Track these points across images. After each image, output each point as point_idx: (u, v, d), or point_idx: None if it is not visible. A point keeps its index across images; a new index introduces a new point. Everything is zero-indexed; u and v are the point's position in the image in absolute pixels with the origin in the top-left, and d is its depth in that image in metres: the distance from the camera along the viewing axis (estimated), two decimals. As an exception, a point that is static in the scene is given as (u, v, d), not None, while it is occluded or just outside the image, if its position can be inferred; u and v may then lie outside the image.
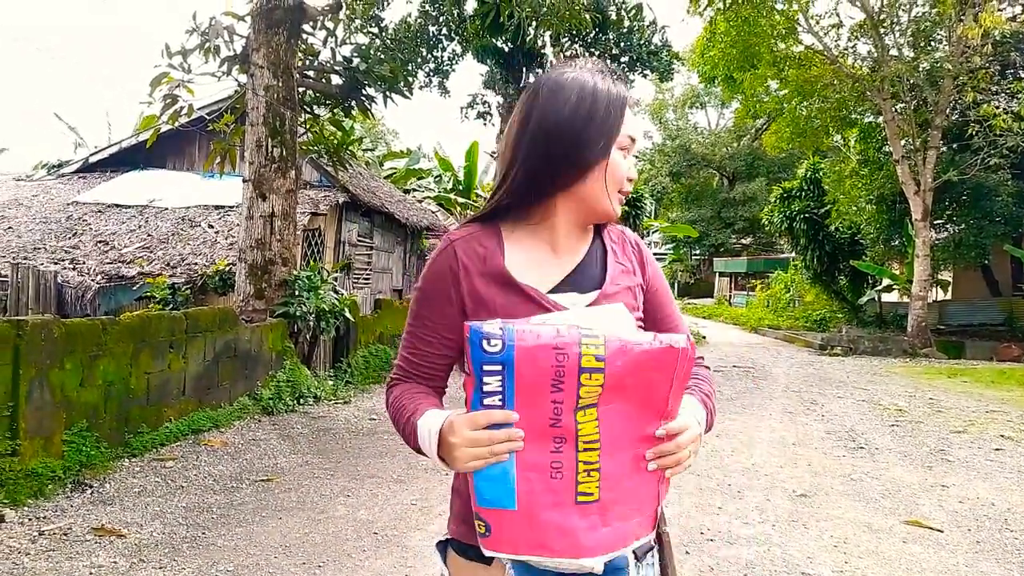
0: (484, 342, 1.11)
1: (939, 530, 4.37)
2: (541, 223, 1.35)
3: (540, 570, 1.22)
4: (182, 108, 9.00)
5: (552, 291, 1.31)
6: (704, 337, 18.27)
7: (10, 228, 10.97)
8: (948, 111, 14.84)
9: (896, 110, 15.42)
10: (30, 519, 4.14)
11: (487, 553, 1.20)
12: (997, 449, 6.46)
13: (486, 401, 1.14)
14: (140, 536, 3.98)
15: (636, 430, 1.19)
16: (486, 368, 1.12)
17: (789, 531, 4.31)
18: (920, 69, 14.93)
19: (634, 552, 1.26)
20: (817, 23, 16.16)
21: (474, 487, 1.17)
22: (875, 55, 15.71)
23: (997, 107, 13.74)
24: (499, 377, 1.12)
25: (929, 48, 15.60)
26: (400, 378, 1.39)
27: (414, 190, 21.22)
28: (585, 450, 1.16)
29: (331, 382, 8.52)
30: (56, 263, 9.46)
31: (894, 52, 15.53)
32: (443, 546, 1.36)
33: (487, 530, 1.18)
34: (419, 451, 1.26)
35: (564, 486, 1.16)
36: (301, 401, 7.62)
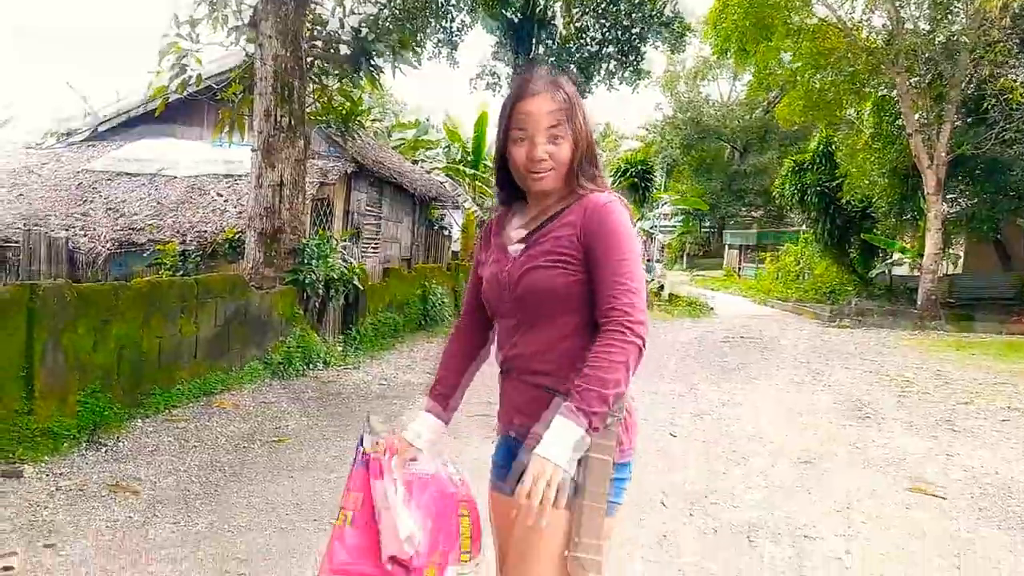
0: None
1: (943, 497, 4.40)
2: (526, 199, 1.79)
3: (508, 448, 1.76)
4: (190, 77, 8.97)
5: (519, 241, 1.73)
6: (712, 308, 18.27)
7: (21, 195, 11.02)
8: (964, 84, 14.62)
9: (911, 83, 15.20)
10: (47, 475, 4.22)
11: None
12: (1004, 420, 6.48)
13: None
14: (154, 492, 4.07)
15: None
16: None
17: (793, 496, 4.36)
18: (936, 42, 14.69)
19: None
20: (832, -7, 15.88)
21: None
22: (890, 27, 15.46)
23: (1015, 80, 13.53)
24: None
25: (946, 20, 15.32)
26: (458, 325, 1.96)
27: (422, 160, 21.14)
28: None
29: (340, 348, 8.59)
30: (67, 229, 9.52)
31: (910, 25, 15.28)
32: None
33: None
34: None
35: None
36: (311, 366, 7.69)
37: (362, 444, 1.74)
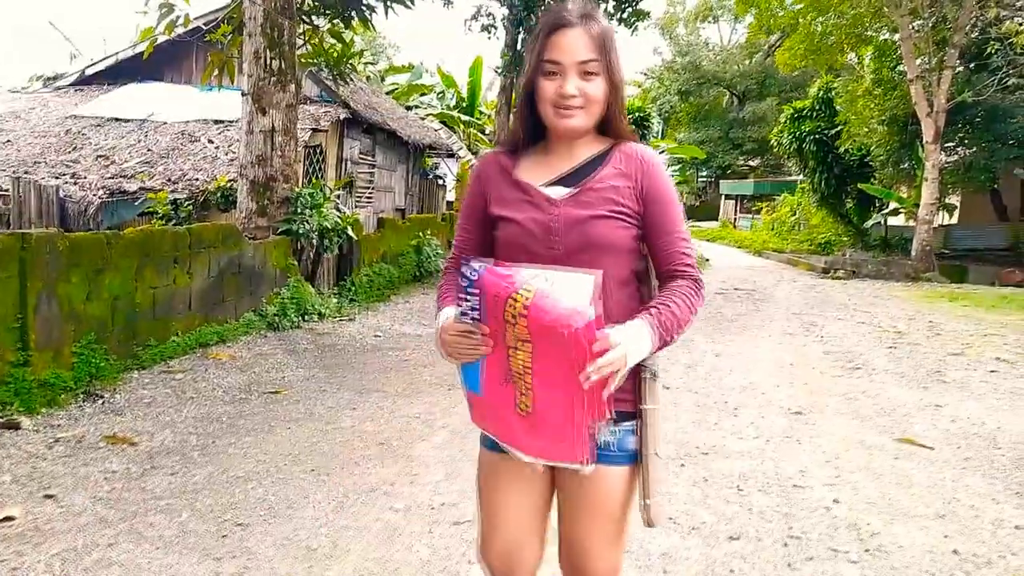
0: (467, 270, 1.50)
1: (930, 447, 4.48)
2: (542, 142, 1.71)
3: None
4: (178, 18, 8.74)
5: (546, 185, 1.65)
6: (707, 260, 18.28)
7: (8, 141, 10.84)
8: (968, 28, 14.35)
9: (913, 27, 14.91)
10: (45, 427, 4.26)
11: (472, 421, 1.70)
12: (992, 371, 6.55)
13: (465, 314, 1.53)
14: (151, 444, 4.11)
15: (559, 372, 1.43)
16: (468, 291, 1.51)
17: (783, 446, 4.43)
18: (942, -18, 14.37)
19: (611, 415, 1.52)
20: (837, -68, 15.44)
21: (460, 370, 1.61)
22: (896, -33, 15.07)
23: (1020, 24, 13.28)
24: (476, 298, 1.50)
25: (953, -40, 14.96)
26: (449, 267, 1.81)
27: (416, 107, 20.81)
28: (521, 374, 1.48)
29: (335, 300, 8.59)
30: (57, 178, 9.39)
31: (916, -36, 14.90)
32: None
33: (471, 407, 1.66)
34: None
35: (508, 393, 1.53)
36: (306, 318, 7.70)
37: (468, 272, 1.50)
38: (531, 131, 1.70)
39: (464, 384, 1.61)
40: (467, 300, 1.51)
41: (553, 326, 1.38)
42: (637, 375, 1.61)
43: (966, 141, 16.52)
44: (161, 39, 9.50)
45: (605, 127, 1.67)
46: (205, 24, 10.06)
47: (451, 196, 19.43)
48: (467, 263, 1.51)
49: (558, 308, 1.38)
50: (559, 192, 1.63)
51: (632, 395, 1.62)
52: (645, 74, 39.75)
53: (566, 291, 1.42)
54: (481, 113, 22.35)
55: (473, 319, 1.51)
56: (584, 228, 1.59)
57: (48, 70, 13.96)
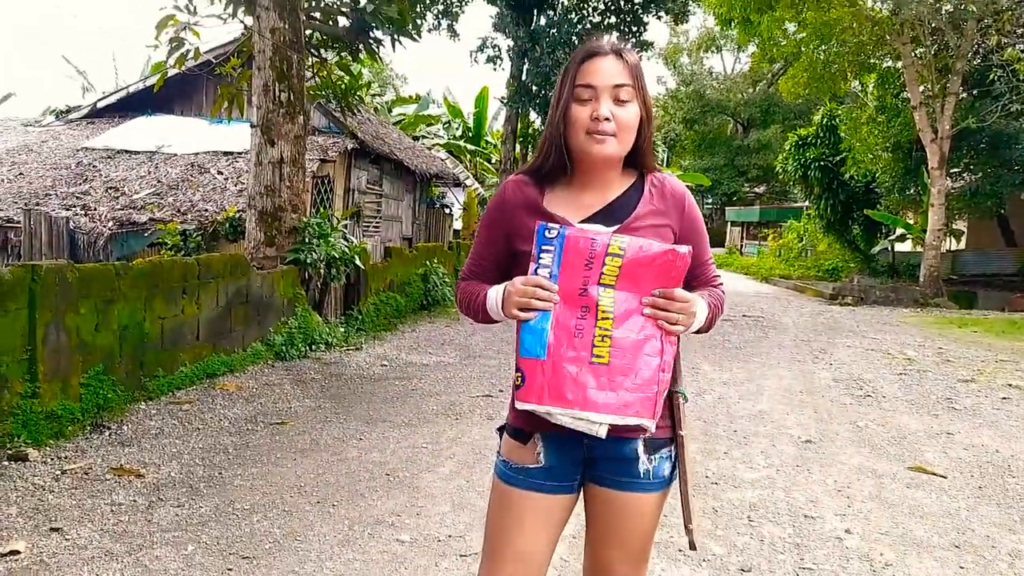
0: (546, 231, 1.53)
1: (943, 476, 4.42)
2: (571, 174, 1.67)
3: (560, 446, 1.62)
4: (188, 51, 8.88)
5: (582, 222, 1.62)
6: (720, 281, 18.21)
7: (21, 174, 10.98)
8: (970, 55, 14.44)
9: (916, 55, 15.02)
10: (52, 458, 4.25)
11: (519, 405, 1.55)
12: (1004, 398, 6.49)
13: (539, 272, 1.54)
14: (158, 476, 4.09)
15: (645, 316, 1.54)
16: (544, 248, 1.53)
17: (793, 476, 4.38)
18: (943, 12, 14.48)
19: (644, 443, 1.60)
20: (838, -37, 15.62)
21: (520, 339, 1.56)
22: (896, -4, 15.22)
23: (1022, 51, 13.36)
24: (551, 255, 1.53)
25: (953, -12, 15.10)
26: (466, 276, 1.81)
27: (423, 137, 21.03)
28: (602, 319, 1.52)
29: (342, 329, 8.60)
30: (68, 209, 9.49)
31: (916, -7, 15.04)
32: (500, 430, 1.76)
33: (522, 380, 1.54)
34: (486, 320, 1.70)
35: (583, 345, 1.52)
36: (313, 347, 7.71)
37: (547, 232, 1.54)
38: (561, 162, 1.66)
39: (523, 354, 1.54)
40: (543, 257, 1.53)
41: (662, 254, 1.51)
42: (672, 399, 1.66)
43: (971, 167, 16.54)
44: (172, 72, 9.65)
45: (634, 158, 1.68)
46: (215, 58, 10.24)
47: (458, 225, 19.54)
48: (544, 225, 1.54)
49: (654, 246, 1.53)
50: (599, 230, 1.60)
51: (668, 421, 1.66)
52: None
53: (653, 241, 1.56)
54: (487, 142, 22.55)
55: (547, 275, 1.53)
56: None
57: (60, 103, 14.16)
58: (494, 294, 1.63)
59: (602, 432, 1.51)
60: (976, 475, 4.46)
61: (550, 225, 1.53)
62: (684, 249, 1.53)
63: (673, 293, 1.53)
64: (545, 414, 1.53)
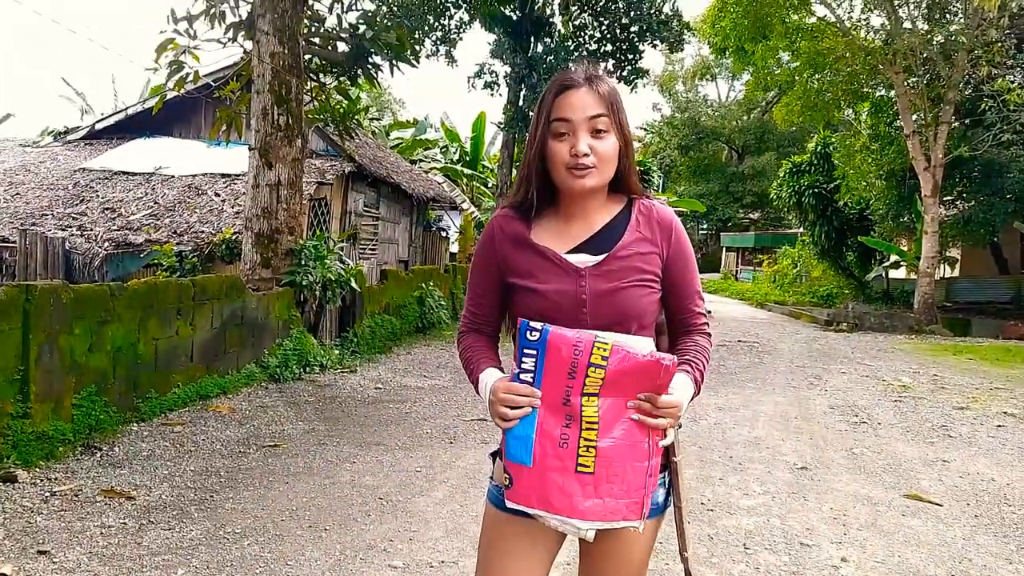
0: (528, 332, 1.50)
1: (939, 504, 4.40)
2: (555, 204, 1.68)
3: None
4: (188, 74, 8.95)
5: (569, 252, 1.62)
6: (709, 312, 18.22)
7: (18, 194, 10.99)
8: (961, 85, 14.64)
9: (908, 84, 15.21)
10: (42, 480, 4.21)
11: (509, 505, 1.54)
12: (999, 426, 6.48)
13: (522, 377, 1.52)
14: (149, 498, 4.05)
15: (630, 421, 1.50)
16: (526, 351, 1.50)
17: (789, 503, 4.36)
18: (934, 42, 14.70)
19: None
20: (831, -6, 15.88)
21: (505, 443, 1.54)
22: (888, 27, 15.46)
23: (1012, 82, 13.54)
24: (533, 359, 1.50)
25: (944, 20, 15.34)
26: (467, 329, 1.79)
27: (421, 161, 21.13)
28: (587, 429, 1.49)
29: (337, 351, 8.58)
30: (64, 229, 9.50)
31: (908, 24, 15.29)
32: (494, 456, 1.73)
33: (510, 482, 1.53)
34: (479, 394, 1.66)
35: (568, 455, 1.49)
36: (307, 369, 7.68)
37: (530, 334, 1.51)
38: (543, 195, 1.66)
39: (509, 459, 1.53)
40: (525, 361, 1.51)
41: (647, 365, 1.47)
42: None
43: (964, 195, 16.67)
44: (171, 95, 9.72)
45: (617, 183, 1.68)
46: (214, 81, 10.31)
47: (454, 248, 19.58)
48: (526, 324, 1.50)
49: (639, 355, 1.48)
50: (584, 260, 1.61)
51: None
52: (645, 129, 40.43)
53: (636, 345, 1.52)
54: (484, 167, 22.67)
55: (531, 380, 1.51)
56: (614, 299, 1.59)
57: (59, 124, 14.23)
58: (483, 387, 1.63)
59: (590, 536, 1.53)
60: (972, 503, 4.45)
61: (532, 326, 1.50)
62: (669, 360, 1.48)
63: (659, 400, 1.50)
64: (534, 516, 1.54)
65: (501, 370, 1.69)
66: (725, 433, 6.00)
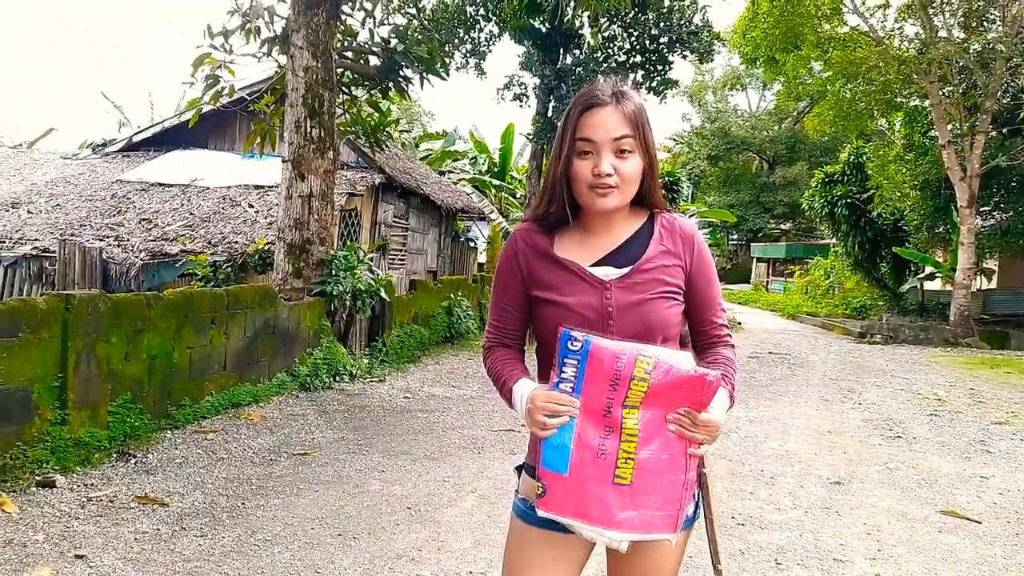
0: (569, 341, 1.48)
1: (977, 521, 4.30)
2: (579, 219, 1.68)
3: None
4: (223, 89, 9.13)
5: (593, 265, 1.63)
6: (740, 323, 18.07)
7: (57, 205, 11.28)
8: (999, 94, 14.35)
9: (943, 93, 14.96)
10: (79, 485, 4.30)
11: (541, 514, 1.53)
12: (1040, 441, 6.31)
13: (561, 386, 1.50)
14: (182, 505, 4.12)
15: (669, 435, 1.51)
16: (567, 361, 1.49)
17: (822, 518, 4.28)
18: (971, 51, 14.44)
19: None
20: (863, 3, 15.72)
21: (541, 452, 1.52)
22: (923, 36, 15.24)
23: (1051, 90, 13.26)
24: (574, 368, 1.48)
25: (981, 29, 15.07)
26: (492, 344, 1.77)
27: (449, 172, 21.27)
28: (627, 440, 1.49)
29: (366, 360, 8.65)
30: (101, 240, 9.72)
31: (943, 33, 15.05)
32: (519, 469, 1.74)
33: (544, 491, 1.52)
34: (512, 406, 1.65)
35: (606, 466, 1.49)
36: (337, 378, 7.75)
37: (571, 343, 1.49)
38: (564, 210, 1.66)
39: (544, 467, 1.52)
40: (565, 369, 1.49)
41: (691, 380, 1.48)
42: None
43: (1002, 205, 16.31)
44: (206, 108, 9.92)
45: (640, 199, 1.69)
46: (249, 95, 10.50)
47: (482, 258, 19.64)
48: (568, 334, 1.48)
49: (683, 369, 1.49)
50: (609, 273, 1.62)
51: None
52: (674, 139, 40.25)
53: (677, 359, 1.52)
54: (512, 178, 22.74)
55: (570, 389, 1.50)
56: (640, 311, 1.60)
57: (98, 137, 14.58)
58: (518, 397, 1.61)
59: (623, 547, 1.52)
60: (1013, 521, 4.33)
61: (574, 335, 1.48)
62: (713, 376, 1.49)
63: (698, 417, 1.51)
64: (568, 525, 1.53)
65: (534, 381, 1.67)
66: (756, 446, 5.92)
